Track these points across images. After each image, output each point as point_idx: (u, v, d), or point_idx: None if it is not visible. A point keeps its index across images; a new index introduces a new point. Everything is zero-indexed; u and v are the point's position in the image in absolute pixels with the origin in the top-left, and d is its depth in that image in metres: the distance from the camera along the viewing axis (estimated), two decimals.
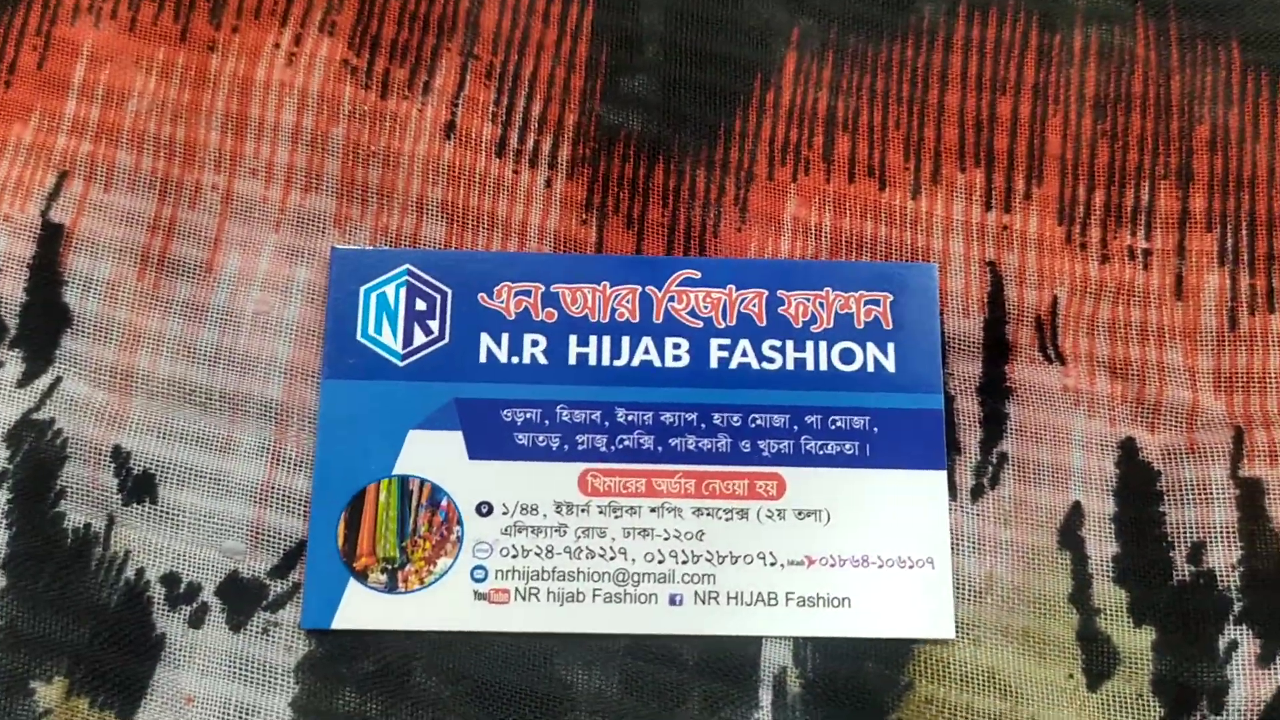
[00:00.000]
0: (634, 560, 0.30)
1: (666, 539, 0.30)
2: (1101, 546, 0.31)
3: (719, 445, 0.31)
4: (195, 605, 0.30)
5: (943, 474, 0.31)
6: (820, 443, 0.31)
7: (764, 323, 0.32)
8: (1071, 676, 0.30)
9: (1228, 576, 0.30)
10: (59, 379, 0.31)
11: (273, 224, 0.33)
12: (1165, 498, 0.31)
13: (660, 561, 0.30)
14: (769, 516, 0.31)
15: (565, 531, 0.30)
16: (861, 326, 0.32)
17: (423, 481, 0.31)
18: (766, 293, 0.32)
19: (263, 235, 0.33)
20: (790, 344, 0.32)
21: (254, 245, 0.33)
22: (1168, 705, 0.29)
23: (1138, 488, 0.31)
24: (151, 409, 0.31)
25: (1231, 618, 0.30)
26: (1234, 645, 0.30)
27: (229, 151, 0.33)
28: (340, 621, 0.30)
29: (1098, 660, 0.30)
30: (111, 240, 0.32)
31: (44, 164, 0.33)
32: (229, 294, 0.32)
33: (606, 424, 0.31)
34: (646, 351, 0.32)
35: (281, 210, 0.33)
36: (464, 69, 0.34)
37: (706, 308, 0.32)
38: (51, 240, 0.32)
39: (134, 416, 0.31)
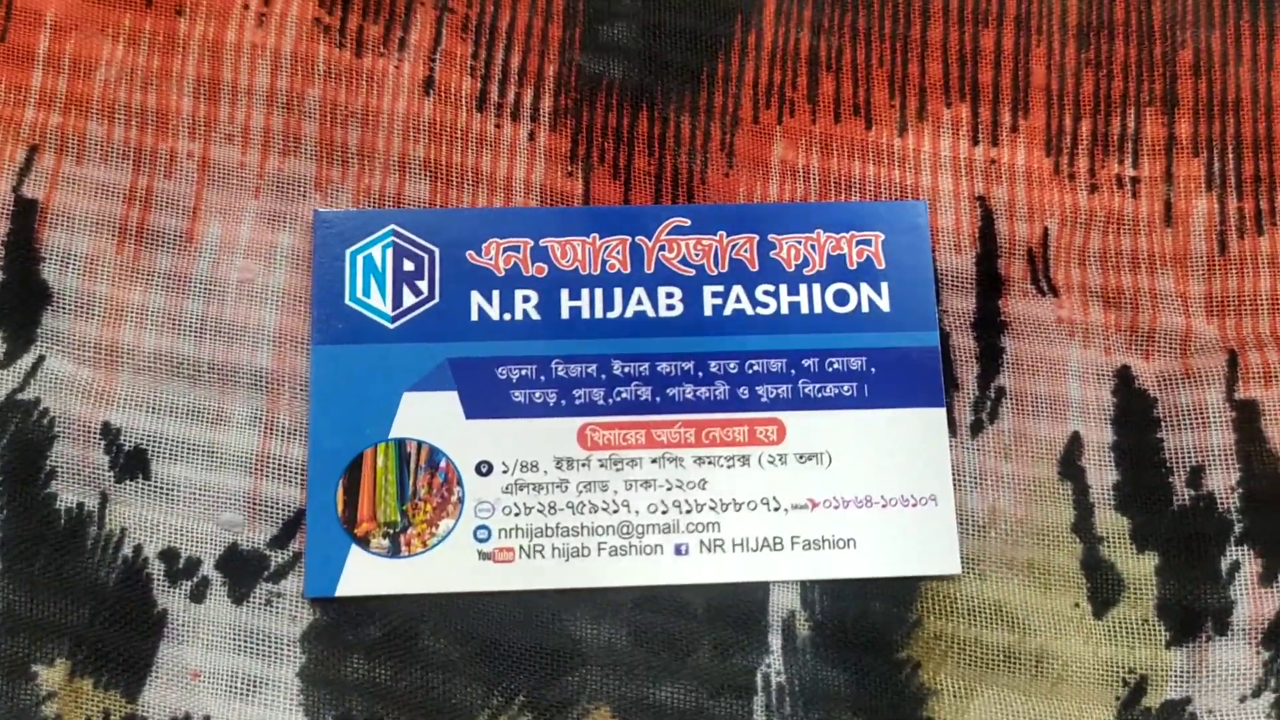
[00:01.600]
0: (637, 512, 0.30)
1: (669, 489, 0.30)
2: (1102, 475, 0.31)
3: (717, 393, 0.31)
4: (196, 580, 0.30)
5: (942, 411, 0.31)
6: (818, 385, 0.31)
7: (756, 268, 0.32)
8: (1077, 605, 0.30)
9: (1227, 498, 0.30)
10: (42, 358, 0.31)
11: (252, 190, 0.32)
12: (1163, 424, 0.31)
13: (664, 512, 0.30)
14: (770, 462, 0.31)
15: (567, 487, 0.30)
16: (854, 267, 0.32)
17: (420, 444, 0.30)
18: (757, 237, 0.32)
19: (242, 201, 0.32)
20: (784, 288, 0.32)
21: (234, 212, 0.32)
22: (1173, 628, 0.30)
23: (1135, 415, 0.31)
24: (139, 383, 0.31)
25: (1232, 539, 0.30)
26: (1236, 566, 0.30)
27: (203, 117, 0.32)
28: (344, 589, 0.30)
29: (1102, 588, 0.30)
30: (87, 213, 0.32)
31: (13, 138, 0.32)
32: (211, 263, 0.32)
33: (603, 377, 0.31)
34: (640, 302, 0.31)
35: (260, 175, 0.32)
36: (439, 23, 0.33)
37: (698, 255, 0.32)
38: (25, 216, 0.32)
39: (121, 392, 0.31)
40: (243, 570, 0.30)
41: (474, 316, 0.31)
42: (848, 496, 0.30)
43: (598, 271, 0.32)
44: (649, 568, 0.30)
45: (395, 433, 0.30)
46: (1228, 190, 0.33)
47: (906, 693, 0.29)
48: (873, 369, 0.31)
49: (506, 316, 0.31)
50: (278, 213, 0.32)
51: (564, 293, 0.31)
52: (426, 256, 0.32)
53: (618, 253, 0.32)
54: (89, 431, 0.30)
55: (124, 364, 0.31)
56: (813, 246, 0.32)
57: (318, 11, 0.33)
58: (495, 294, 0.31)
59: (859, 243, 0.32)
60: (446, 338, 0.31)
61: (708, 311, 0.31)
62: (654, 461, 0.30)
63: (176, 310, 0.31)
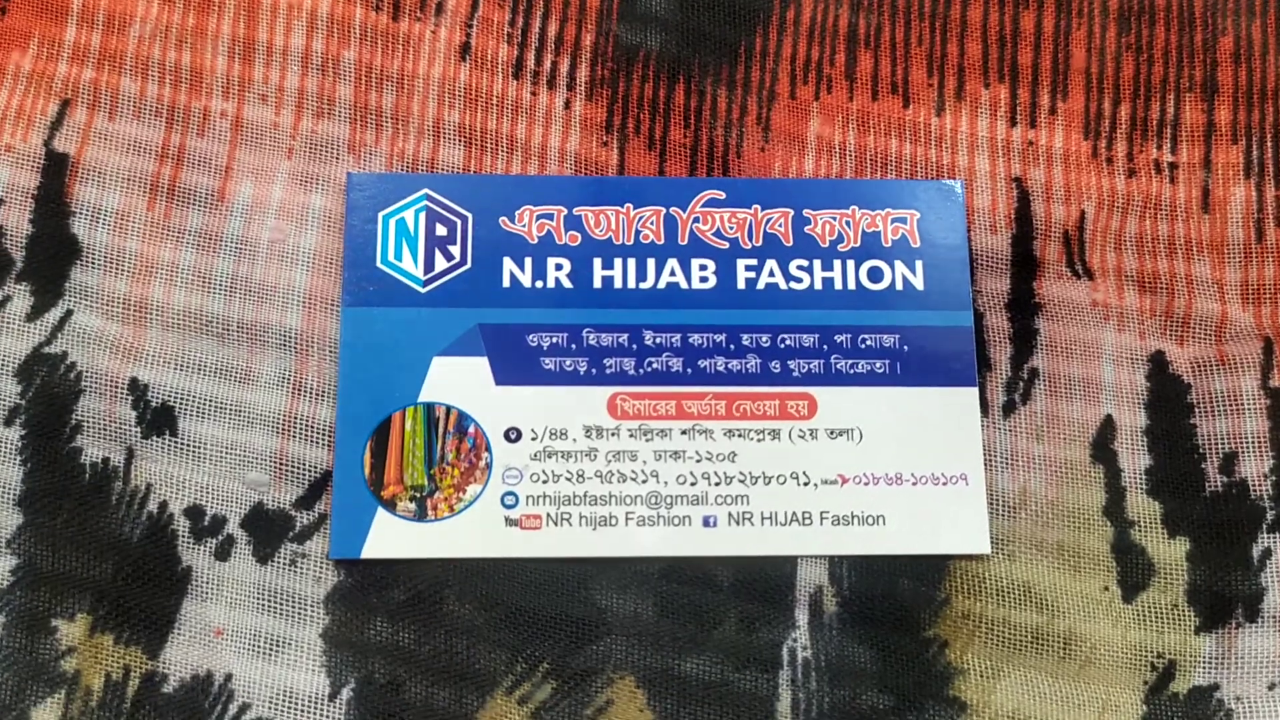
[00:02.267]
0: (666, 483, 0.30)
1: (698, 461, 0.30)
2: (1134, 459, 0.31)
3: (749, 366, 0.31)
4: (221, 538, 0.29)
5: (974, 390, 0.31)
6: (850, 362, 0.31)
7: (790, 242, 0.32)
8: (1107, 589, 0.30)
9: (1260, 486, 0.30)
10: (70, 312, 0.31)
11: (285, 151, 0.32)
12: (1196, 410, 0.31)
13: (693, 484, 0.30)
14: (801, 436, 0.30)
15: (596, 456, 0.30)
16: (889, 245, 0.32)
17: (449, 408, 0.30)
18: (792, 212, 0.32)
19: (275, 162, 0.32)
20: (818, 263, 0.31)
21: (267, 173, 0.32)
22: (1203, 614, 0.30)
23: (1169, 400, 0.31)
24: (168, 340, 0.31)
25: (1265, 526, 0.30)
26: (1268, 553, 0.30)
27: (237, 77, 0.32)
28: (369, 551, 0.29)
29: (1133, 572, 0.30)
30: (119, 169, 0.32)
31: (45, 92, 0.32)
32: (243, 222, 0.31)
33: (634, 347, 0.31)
34: (673, 273, 0.31)
35: (294, 136, 0.32)
36: None
37: (732, 228, 0.32)
38: (56, 170, 0.31)
39: (150, 348, 0.30)
40: (268, 530, 0.30)
41: (506, 283, 0.31)
42: (878, 473, 0.30)
43: (631, 242, 0.31)
44: (676, 539, 0.30)
45: (424, 397, 0.30)
46: (1266, 178, 0.32)
47: (933, 671, 0.29)
48: (905, 347, 0.31)
49: (538, 284, 0.31)
50: (311, 174, 0.32)
51: (597, 262, 0.31)
52: (459, 221, 0.31)
53: (652, 223, 0.32)
54: (116, 387, 0.30)
55: (153, 320, 0.31)
56: (847, 223, 0.32)
57: None
58: (528, 261, 0.31)
59: (894, 220, 0.32)
60: (478, 303, 0.31)
61: (741, 284, 0.31)
62: (684, 433, 0.30)
63: (207, 268, 0.31)
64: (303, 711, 0.28)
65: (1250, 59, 0.33)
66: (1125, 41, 0.33)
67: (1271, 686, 0.29)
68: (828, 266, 0.31)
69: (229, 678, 0.29)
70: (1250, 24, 0.33)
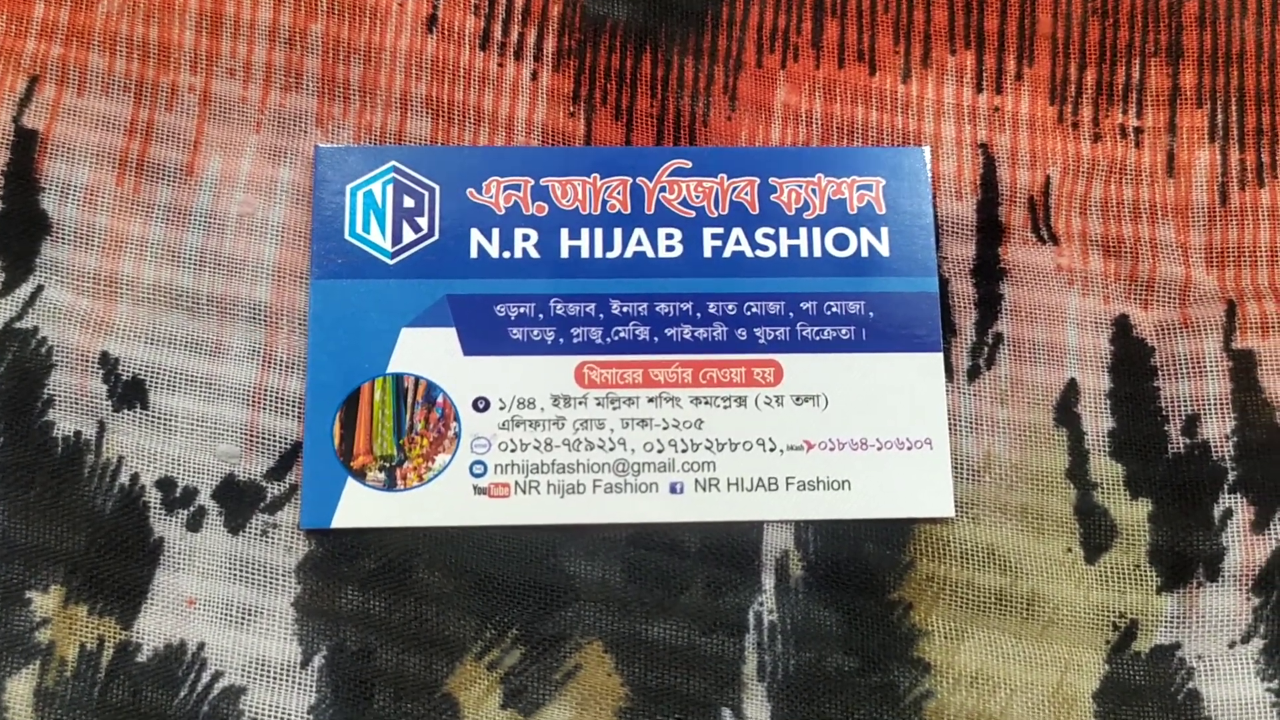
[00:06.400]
0: (633, 450, 0.30)
1: (665, 428, 0.30)
2: (1097, 422, 0.31)
3: (715, 334, 0.31)
4: (192, 509, 0.30)
5: (939, 356, 0.31)
6: (816, 329, 0.31)
7: (757, 211, 0.32)
8: (1070, 550, 0.30)
9: (1222, 447, 0.30)
10: (40, 287, 0.31)
11: (253, 124, 0.32)
12: (1160, 372, 0.31)
13: (660, 451, 0.30)
14: (767, 403, 0.31)
15: (563, 424, 0.30)
16: (854, 212, 0.32)
17: (418, 379, 0.30)
18: (758, 180, 0.32)
19: (243, 136, 0.32)
20: (784, 231, 0.32)
21: (235, 147, 0.32)
22: (1165, 574, 0.30)
23: (1132, 363, 0.31)
24: (138, 314, 0.31)
25: (1226, 486, 0.30)
26: (1229, 513, 0.30)
27: (205, 51, 0.32)
28: (340, 521, 0.30)
29: (1095, 533, 0.30)
30: (88, 145, 0.32)
31: (13, 69, 0.32)
32: (212, 196, 0.32)
33: (601, 316, 0.31)
34: (639, 243, 0.31)
35: (262, 110, 0.32)
36: None
37: (698, 197, 0.32)
38: (25, 147, 0.32)
39: (120, 323, 0.31)
40: (239, 501, 0.30)
41: (473, 254, 0.31)
42: (843, 439, 0.30)
43: (598, 211, 0.32)
44: (644, 505, 0.30)
45: (393, 368, 0.30)
46: (1230, 142, 0.33)
47: (898, 633, 0.30)
48: (871, 313, 0.31)
49: (506, 254, 0.31)
50: (279, 148, 0.32)
51: (564, 232, 0.31)
52: (427, 193, 0.32)
53: (618, 193, 0.32)
54: (87, 361, 0.30)
55: (123, 295, 0.31)
56: (813, 190, 0.32)
57: None
58: (495, 232, 0.31)
59: (860, 188, 0.32)
60: (446, 274, 0.31)
61: (707, 253, 0.31)
62: (651, 401, 0.31)
63: (176, 243, 0.31)
64: (275, 679, 0.29)
65: (1215, 23, 0.33)
66: (1091, 6, 0.33)
67: (1232, 645, 0.29)
68: (794, 234, 0.32)
69: (202, 646, 0.29)
70: None
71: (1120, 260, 0.32)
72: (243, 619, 0.29)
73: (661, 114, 0.33)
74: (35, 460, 0.30)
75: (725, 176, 0.32)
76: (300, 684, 0.29)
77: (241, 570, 0.29)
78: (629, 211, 0.32)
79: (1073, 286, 0.32)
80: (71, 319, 0.31)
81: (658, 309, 0.31)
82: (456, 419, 0.30)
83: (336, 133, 0.32)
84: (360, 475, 0.30)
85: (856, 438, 0.30)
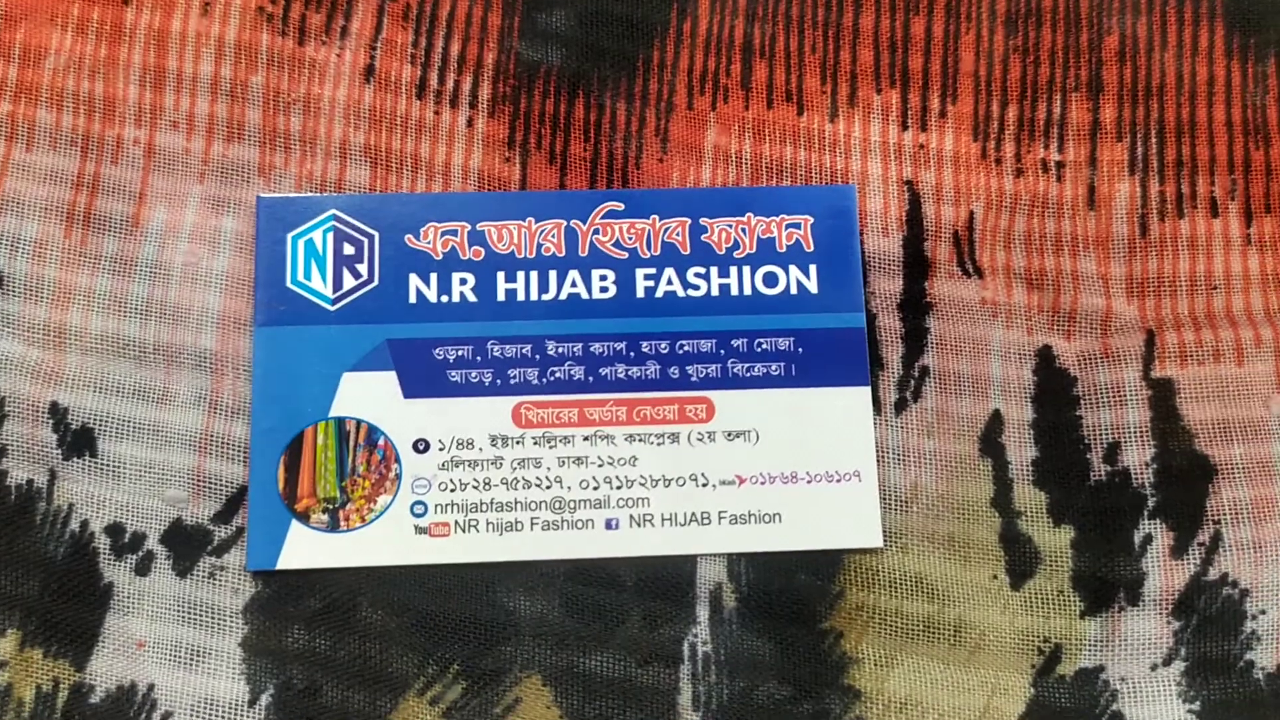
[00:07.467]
0: (570, 488, 0.31)
1: (600, 466, 0.31)
2: (1021, 451, 0.32)
3: (648, 373, 0.32)
4: (141, 554, 0.31)
5: (867, 390, 0.32)
6: (747, 365, 0.32)
7: (688, 250, 0.33)
8: (995, 577, 0.31)
9: (1142, 474, 0.31)
10: None
11: (197, 175, 0.33)
12: (1081, 402, 0.32)
13: (595, 488, 0.31)
14: (699, 439, 0.31)
15: (501, 464, 0.31)
16: (784, 250, 0.33)
17: (359, 422, 0.31)
18: (690, 221, 0.33)
19: (187, 187, 0.33)
20: (714, 270, 0.32)
21: (179, 198, 0.33)
22: (1087, 599, 0.31)
23: (1055, 393, 0.32)
24: (87, 364, 0.32)
25: (1146, 513, 0.31)
26: (1148, 539, 0.31)
27: (149, 105, 0.33)
28: (285, 562, 0.31)
29: (1020, 560, 0.31)
30: (36, 199, 0.33)
31: None
32: (157, 247, 0.32)
33: (537, 357, 0.32)
34: (574, 284, 0.32)
35: (205, 161, 0.33)
36: (381, 11, 0.34)
37: (631, 239, 0.33)
38: None
39: (69, 373, 0.32)
40: (187, 544, 0.31)
41: (412, 299, 0.32)
42: (774, 473, 0.31)
43: (533, 255, 0.32)
44: (580, 541, 0.31)
45: (335, 412, 0.31)
46: (1150, 174, 0.33)
47: (829, 661, 0.30)
48: (800, 349, 0.32)
49: (444, 298, 0.32)
50: (222, 198, 0.33)
51: (500, 275, 0.32)
52: (366, 240, 0.32)
53: (553, 236, 0.33)
54: (37, 411, 0.31)
55: (72, 345, 0.32)
56: (743, 230, 0.33)
57: (261, 0, 0.34)
58: (433, 277, 0.32)
59: (788, 226, 0.33)
60: (385, 319, 0.32)
61: (640, 293, 0.32)
62: (586, 439, 0.31)
63: (123, 293, 0.32)
64: (223, 718, 0.30)
65: (1135, 56, 0.34)
66: (1013, 44, 0.34)
67: (1154, 667, 0.30)
68: (724, 273, 0.32)
69: (152, 687, 0.30)
70: (1135, 22, 0.34)
71: (1043, 292, 0.33)
72: (191, 660, 0.30)
73: (595, 157, 0.33)
74: None
75: (657, 218, 0.33)
76: None
77: (190, 612, 0.30)
78: (563, 254, 0.32)
79: (997, 319, 0.33)
80: (23, 370, 0.31)
81: (592, 349, 0.32)
82: (398, 460, 0.31)
83: (278, 182, 0.33)
84: (304, 517, 0.31)
85: (787, 471, 0.31)
